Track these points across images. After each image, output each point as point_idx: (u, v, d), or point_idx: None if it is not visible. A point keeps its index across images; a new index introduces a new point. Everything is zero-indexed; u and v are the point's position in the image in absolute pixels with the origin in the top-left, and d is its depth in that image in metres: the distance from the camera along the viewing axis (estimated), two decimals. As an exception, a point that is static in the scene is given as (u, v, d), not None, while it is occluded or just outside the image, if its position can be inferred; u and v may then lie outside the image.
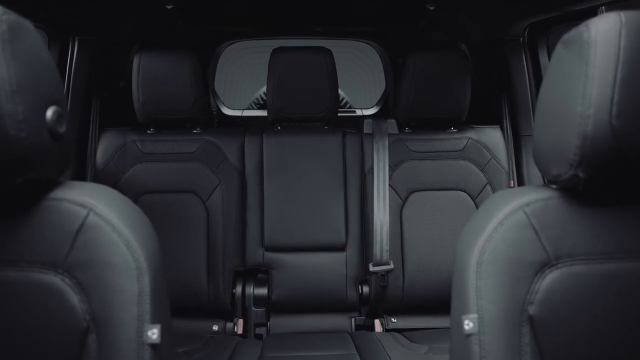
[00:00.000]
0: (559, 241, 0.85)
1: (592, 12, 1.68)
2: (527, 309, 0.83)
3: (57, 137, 0.79)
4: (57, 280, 0.78)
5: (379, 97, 3.73)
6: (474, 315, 0.83)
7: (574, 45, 0.81)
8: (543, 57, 2.14)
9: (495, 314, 0.82)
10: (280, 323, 2.09)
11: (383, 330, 2.05)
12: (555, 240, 0.85)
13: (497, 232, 0.86)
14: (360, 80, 4.93)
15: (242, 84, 4.75)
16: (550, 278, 0.84)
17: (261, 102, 4.04)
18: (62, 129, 0.80)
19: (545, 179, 1.97)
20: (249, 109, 4.07)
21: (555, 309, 0.83)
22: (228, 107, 3.55)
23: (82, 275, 0.78)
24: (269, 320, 2.10)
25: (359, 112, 3.66)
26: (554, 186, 0.91)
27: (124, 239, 0.80)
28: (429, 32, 2.77)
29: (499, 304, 0.82)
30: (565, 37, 0.85)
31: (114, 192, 0.89)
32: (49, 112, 0.76)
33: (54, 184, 0.84)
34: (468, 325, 0.83)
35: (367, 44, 3.57)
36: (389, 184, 2.09)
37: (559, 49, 0.87)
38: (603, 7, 1.63)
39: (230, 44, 3.50)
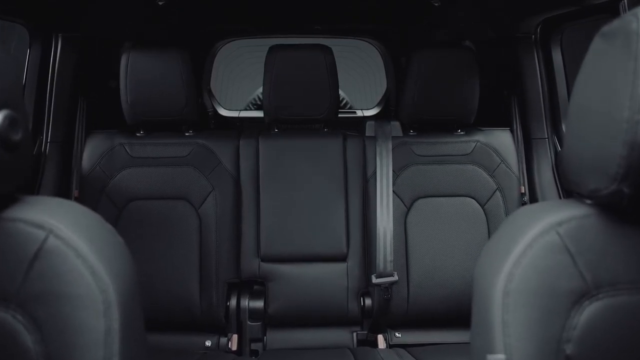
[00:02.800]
0: (599, 267, 0.73)
1: (613, 7, 1.57)
2: (563, 347, 0.71)
3: (10, 146, 0.67)
4: (7, 317, 0.66)
5: (379, 97, 3.64)
6: (502, 356, 0.70)
7: (618, 38, 0.69)
8: (556, 55, 2.02)
9: (527, 353, 0.70)
10: (278, 338, 1.98)
11: (387, 346, 1.96)
12: (595, 266, 0.73)
13: (525, 257, 0.74)
14: (360, 80, 4.84)
15: (240, 84, 4.66)
16: (590, 311, 0.71)
17: (259, 102, 3.94)
18: (17, 136, 0.69)
19: (570, 192, 1.89)
20: (246, 109, 3.97)
21: (597, 347, 0.71)
22: (224, 108, 3.45)
23: (37, 311, 0.66)
24: (265, 335, 2.00)
25: (359, 113, 3.56)
26: (588, 201, 0.79)
27: (89, 266, 0.68)
28: (433, 29, 2.66)
29: (530, 342, 0.70)
30: (607, 28, 0.73)
31: (80, 209, 0.77)
32: None
33: (7, 200, 0.71)
34: (495, 367, 0.71)
35: (368, 42, 3.47)
36: (393, 190, 1.98)
37: (597, 43, 0.75)
38: (625, 1, 1.50)
39: (227, 43, 3.41)
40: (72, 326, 0.65)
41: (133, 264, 0.78)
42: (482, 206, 2.01)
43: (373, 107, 3.60)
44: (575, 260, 0.73)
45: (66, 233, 0.69)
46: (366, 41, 3.49)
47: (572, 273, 0.72)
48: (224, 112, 3.42)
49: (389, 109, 3.44)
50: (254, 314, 1.98)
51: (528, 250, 0.74)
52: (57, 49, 1.96)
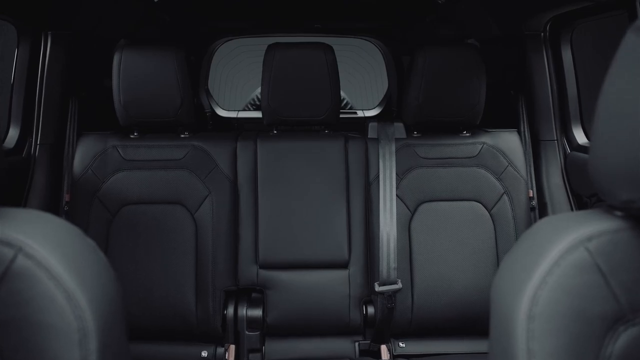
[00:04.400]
0: (635, 288, 0.65)
1: (629, 3, 1.49)
2: (596, 379, 0.63)
3: None
4: None
5: (380, 97, 3.58)
6: (527, 390, 0.63)
7: None
8: (566, 54, 1.95)
9: None
10: (277, 348, 1.90)
11: (390, 357, 1.88)
12: (630, 287, 0.65)
13: (552, 276, 0.66)
14: (361, 80, 4.77)
15: (238, 83, 4.59)
16: (625, 338, 0.64)
17: (257, 102, 3.88)
18: None
19: (580, 196, 1.82)
20: (244, 110, 3.90)
21: None
22: (222, 108, 3.38)
23: (3, 341, 0.58)
24: (263, 345, 1.92)
25: (360, 114, 3.50)
26: (619, 213, 0.71)
27: (63, 289, 0.60)
28: (436, 27, 2.59)
29: None
30: None
31: (55, 222, 0.69)
32: None
33: None
34: (519, 401, 0.63)
35: (369, 41, 3.41)
36: (396, 194, 1.91)
37: (631, 38, 0.67)
38: (642, -4, 1.43)
39: (226, 42, 3.34)
40: (42, 358, 0.58)
41: (117, 284, 0.70)
42: (489, 211, 1.93)
43: (374, 108, 3.54)
44: (608, 280, 0.65)
45: (38, 251, 0.61)
46: (367, 40, 3.43)
47: (605, 295, 0.65)
48: (222, 112, 3.36)
49: (390, 109, 3.38)
50: (252, 323, 1.90)
51: (554, 269, 0.66)
52: (47, 47, 1.89)
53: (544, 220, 0.77)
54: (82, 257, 0.67)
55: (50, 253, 0.62)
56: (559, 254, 0.67)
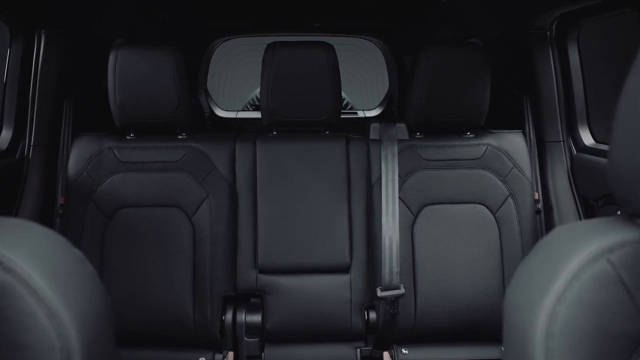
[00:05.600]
0: None
1: (638, 2, 1.45)
2: (621, 403, 0.59)
3: None
4: None
5: (381, 97, 3.53)
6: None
7: None
8: (573, 53, 1.90)
9: None
10: (276, 355, 1.87)
11: (393, 364, 1.82)
12: None
13: (571, 291, 0.62)
14: (361, 80, 4.73)
15: (237, 83, 4.55)
16: None
17: (257, 102, 3.84)
18: None
19: (587, 199, 1.77)
20: (243, 110, 3.86)
21: None
22: (222, 109, 3.34)
23: None
24: (263, 352, 1.88)
25: (360, 114, 3.46)
26: None
27: (45, 306, 0.56)
28: (438, 27, 2.55)
29: None
30: None
31: (38, 232, 0.64)
32: None
33: None
34: None
35: (370, 40, 3.36)
36: (399, 197, 1.87)
37: None
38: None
39: (224, 41, 3.30)
40: None
41: (105, 298, 0.65)
42: (494, 214, 1.89)
43: (375, 108, 3.50)
44: (632, 295, 0.61)
45: (18, 265, 0.56)
46: (368, 39, 3.38)
47: (629, 311, 0.60)
48: (221, 112, 3.32)
49: (391, 110, 3.34)
50: (251, 329, 1.86)
51: (574, 283, 0.62)
52: (41, 46, 1.85)
53: (560, 228, 0.72)
54: (68, 270, 0.62)
55: (33, 267, 0.57)
56: (579, 266, 0.63)
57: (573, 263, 0.63)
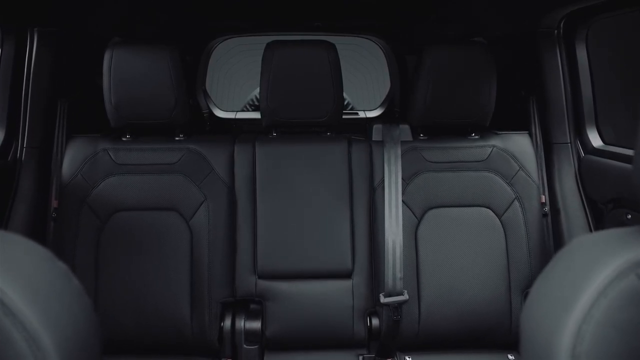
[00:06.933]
0: None
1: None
2: None
3: None
4: None
5: (381, 97, 3.49)
6: None
7: None
8: (581, 52, 1.85)
9: None
10: None
11: (396, 371, 1.77)
12: None
13: (598, 309, 0.57)
14: (362, 80, 4.69)
15: (237, 83, 4.50)
16: None
17: (256, 103, 3.79)
18: None
19: (595, 202, 1.72)
20: (243, 111, 3.81)
21: None
22: (220, 109, 3.29)
23: None
24: (262, 359, 1.82)
25: (361, 114, 3.42)
26: None
27: (22, 328, 0.50)
28: (441, 25, 2.50)
29: None
30: None
31: (21, 245, 0.59)
32: None
33: None
34: None
35: (371, 40, 3.32)
36: (402, 200, 1.82)
37: None
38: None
39: (223, 40, 3.25)
40: None
41: (91, 316, 0.60)
42: (499, 217, 1.84)
43: (376, 108, 3.45)
44: None
45: None
46: (369, 39, 3.34)
47: None
48: (220, 113, 3.27)
49: (392, 110, 3.30)
50: (250, 336, 1.81)
51: (601, 300, 0.57)
52: (33, 45, 1.80)
53: (581, 239, 0.67)
54: (51, 286, 0.57)
55: (10, 284, 0.52)
56: (606, 281, 0.57)
57: (599, 278, 0.58)
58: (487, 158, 1.88)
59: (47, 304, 0.54)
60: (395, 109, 3.27)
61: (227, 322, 1.81)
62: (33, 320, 0.51)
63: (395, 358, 1.81)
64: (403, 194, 1.83)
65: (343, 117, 1.95)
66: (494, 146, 1.90)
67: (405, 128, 1.95)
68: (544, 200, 1.88)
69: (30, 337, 0.50)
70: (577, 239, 0.68)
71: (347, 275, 1.83)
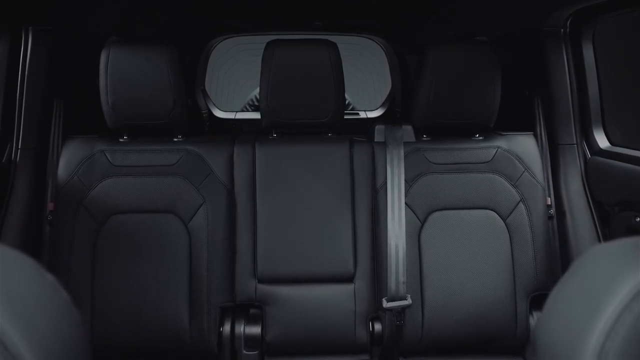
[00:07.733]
0: None
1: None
2: None
3: None
4: None
5: (382, 97, 3.46)
6: None
7: None
8: (587, 52, 1.82)
9: None
10: None
11: (399, 377, 1.74)
12: None
13: (622, 325, 0.53)
14: (363, 80, 4.66)
15: (236, 83, 4.47)
16: None
17: (256, 103, 3.76)
18: None
19: (601, 205, 1.69)
20: (242, 111, 3.78)
21: None
22: (220, 109, 3.26)
23: None
24: None
25: (362, 115, 3.38)
26: None
27: (4, 348, 0.47)
28: (444, 25, 2.46)
29: None
30: None
31: (6, 257, 0.55)
32: None
33: None
34: None
35: (372, 39, 3.28)
36: (405, 202, 1.78)
37: None
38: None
39: (223, 40, 3.22)
40: None
41: (80, 331, 0.57)
42: (504, 220, 1.81)
43: (377, 108, 3.42)
44: None
45: None
46: (370, 38, 3.30)
47: None
48: (219, 113, 3.23)
49: (393, 110, 3.27)
50: (250, 341, 1.77)
51: (626, 316, 0.53)
52: (28, 44, 1.76)
53: (599, 248, 0.64)
54: (36, 301, 0.53)
55: None
56: (630, 295, 0.54)
57: (623, 292, 0.54)
58: (491, 159, 1.85)
59: (31, 321, 0.50)
60: (397, 109, 3.24)
61: (227, 327, 1.78)
62: (15, 341, 0.48)
63: None
64: (406, 196, 1.79)
65: (345, 117, 1.91)
66: (498, 147, 1.86)
67: (408, 129, 1.91)
68: (549, 203, 1.85)
69: (12, 356, 0.47)
70: (592, 249, 0.64)
71: (349, 279, 1.80)
